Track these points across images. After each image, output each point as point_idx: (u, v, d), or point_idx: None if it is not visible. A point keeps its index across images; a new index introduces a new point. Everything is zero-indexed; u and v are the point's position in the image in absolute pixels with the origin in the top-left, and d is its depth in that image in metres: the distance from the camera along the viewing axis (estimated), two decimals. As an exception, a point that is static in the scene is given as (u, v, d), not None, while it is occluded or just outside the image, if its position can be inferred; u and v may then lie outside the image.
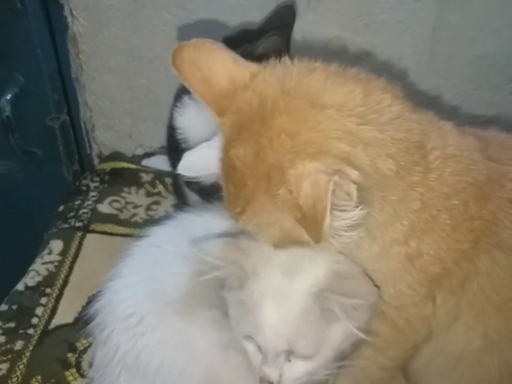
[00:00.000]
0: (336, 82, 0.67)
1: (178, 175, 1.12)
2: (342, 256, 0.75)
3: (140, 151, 1.42)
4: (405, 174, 0.67)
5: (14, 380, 0.93)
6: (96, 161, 1.43)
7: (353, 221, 0.63)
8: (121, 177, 1.35)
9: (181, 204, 1.16)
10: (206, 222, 0.89)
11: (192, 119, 0.99)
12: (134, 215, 1.25)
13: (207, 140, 0.79)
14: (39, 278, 1.10)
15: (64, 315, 1.04)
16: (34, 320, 1.02)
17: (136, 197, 1.30)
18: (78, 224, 1.22)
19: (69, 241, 1.18)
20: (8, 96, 1.24)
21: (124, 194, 1.30)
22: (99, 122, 1.39)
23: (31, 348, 0.98)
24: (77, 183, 1.35)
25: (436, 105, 1.16)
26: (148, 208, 1.27)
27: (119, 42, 1.25)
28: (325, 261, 0.74)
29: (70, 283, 1.10)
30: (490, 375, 0.76)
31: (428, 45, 1.17)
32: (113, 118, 1.38)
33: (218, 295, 0.79)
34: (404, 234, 0.70)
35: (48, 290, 1.08)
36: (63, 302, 1.06)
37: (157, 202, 1.29)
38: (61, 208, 1.28)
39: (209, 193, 0.97)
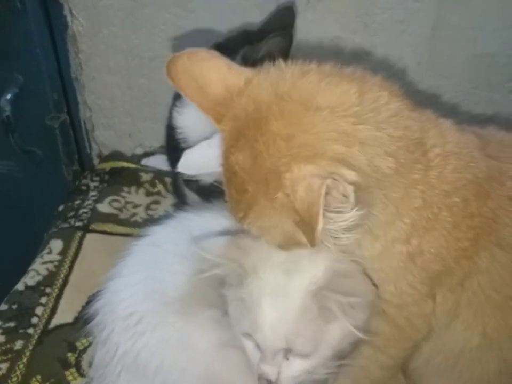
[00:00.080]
0: (331, 82, 0.67)
1: (178, 174, 1.13)
2: (341, 255, 0.76)
3: (139, 151, 1.42)
4: (405, 171, 0.67)
5: (14, 379, 0.93)
6: (96, 160, 1.43)
7: (351, 222, 0.63)
8: (121, 176, 1.35)
9: (181, 203, 1.16)
10: (205, 221, 0.89)
11: (191, 119, 0.99)
12: (134, 214, 1.25)
13: (206, 138, 0.79)
14: (39, 278, 1.10)
15: (64, 315, 1.04)
16: (34, 320, 1.02)
17: (136, 196, 1.30)
18: (78, 223, 1.22)
19: (69, 240, 1.18)
20: (8, 96, 1.24)
21: (123, 194, 1.30)
22: (99, 121, 1.39)
23: (31, 348, 0.98)
24: (77, 183, 1.35)
25: (436, 105, 1.16)
26: (148, 207, 1.27)
27: (119, 42, 1.25)
28: (324, 260, 0.74)
29: (70, 283, 1.10)
30: (489, 373, 0.76)
31: (427, 45, 1.17)
32: (113, 118, 1.38)
33: (218, 293, 0.79)
34: (405, 233, 0.70)
35: (48, 289, 1.08)
36: (63, 302, 1.06)
37: (156, 202, 1.29)
38: (60, 208, 1.28)
39: (208, 192, 0.97)
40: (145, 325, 0.81)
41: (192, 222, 0.90)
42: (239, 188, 0.67)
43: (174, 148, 1.03)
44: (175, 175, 1.18)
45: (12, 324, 1.01)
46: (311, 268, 0.74)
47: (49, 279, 1.10)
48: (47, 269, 1.11)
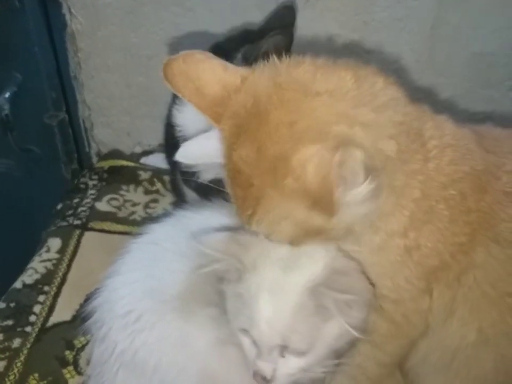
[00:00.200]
0: (327, 70, 0.68)
1: (176, 173, 1.13)
2: (340, 253, 0.76)
3: (138, 149, 1.42)
4: (406, 159, 0.68)
5: (12, 377, 0.93)
6: (94, 159, 1.44)
7: (364, 195, 0.63)
8: (120, 175, 1.35)
9: (179, 201, 1.16)
10: (204, 219, 0.89)
11: (191, 117, 0.99)
12: (133, 213, 1.25)
13: (206, 131, 0.79)
14: (37, 276, 1.10)
15: (62, 313, 1.04)
16: (32, 318, 1.02)
17: (135, 194, 1.30)
18: (76, 222, 1.22)
19: (67, 239, 1.18)
20: (7, 95, 1.24)
21: (122, 192, 1.30)
22: (97, 120, 1.39)
23: (28, 346, 0.98)
24: (76, 181, 1.35)
25: (434, 103, 1.16)
26: (146, 206, 1.27)
27: (118, 40, 1.25)
28: (323, 257, 0.74)
29: (68, 281, 1.10)
30: (485, 370, 0.76)
31: (426, 43, 1.17)
32: (112, 116, 1.38)
33: (217, 291, 0.79)
34: (404, 226, 0.70)
35: (46, 288, 1.08)
36: (60, 300, 1.06)
37: (155, 200, 1.29)
38: (59, 206, 1.28)
39: (207, 191, 0.96)
40: (144, 323, 0.81)
41: (191, 220, 0.90)
42: (244, 184, 0.67)
43: (173, 145, 1.03)
44: (173, 174, 1.18)
45: (9, 322, 1.01)
46: (309, 265, 0.74)
47: (47, 278, 1.09)
48: (45, 267, 1.11)
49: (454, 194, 0.71)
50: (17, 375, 0.93)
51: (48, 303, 1.05)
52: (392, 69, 1.17)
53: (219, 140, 0.71)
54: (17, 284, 1.08)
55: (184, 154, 0.80)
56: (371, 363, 0.80)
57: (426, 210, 0.70)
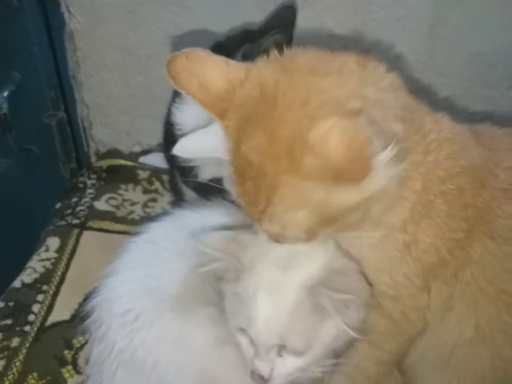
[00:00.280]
0: (331, 56, 0.69)
1: (175, 173, 1.13)
2: (338, 253, 0.76)
3: (137, 149, 1.42)
4: (410, 148, 0.68)
5: (10, 376, 0.92)
6: (93, 158, 1.43)
7: (390, 158, 0.62)
8: (118, 174, 1.35)
9: (178, 201, 1.16)
10: (203, 218, 0.89)
11: (190, 115, 0.99)
12: (131, 212, 1.25)
13: (204, 127, 0.79)
14: (35, 275, 1.10)
15: (61, 312, 1.04)
16: (31, 317, 1.02)
17: (133, 194, 1.30)
18: (75, 221, 1.22)
19: (66, 238, 1.18)
20: (5, 94, 1.24)
21: (120, 192, 1.30)
22: (96, 119, 1.39)
23: (27, 345, 0.97)
24: (74, 181, 1.35)
25: (434, 102, 1.16)
26: (145, 205, 1.27)
27: (116, 40, 1.25)
28: (320, 257, 0.74)
29: (66, 280, 1.09)
30: (483, 368, 0.76)
31: (425, 43, 1.17)
32: (111, 116, 1.38)
33: (215, 290, 0.79)
34: (404, 219, 0.70)
35: (44, 287, 1.08)
36: (59, 299, 1.06)
37: (153, 200, 1.29)
38: (58, 206, 1.28)
39: (206, 190, 0.97)
40: (142, 321, 0.81)
41: (190, 219, 0.90)
42: (256, 176, 0.65)
43: (172, 144, 1.03)
44: (172, 173, 1.18)
45: (8, 322, 1.01)
46: (307, 265, 0.74)
47: (46, 277, 1.09)
48: (44, 267, 1.11)
49: (452, 188, 0.71)
50: (16, 374, 0.93)
51: (47, 302, 1.05)
52: (391, 68, 1.17)
53: (223, 137, 0.71)
54: (16, 283, 1.08)
55: (181, 149, 0.80)
56: (369, 361, 0.80)
57: (425, 204, 0.70)
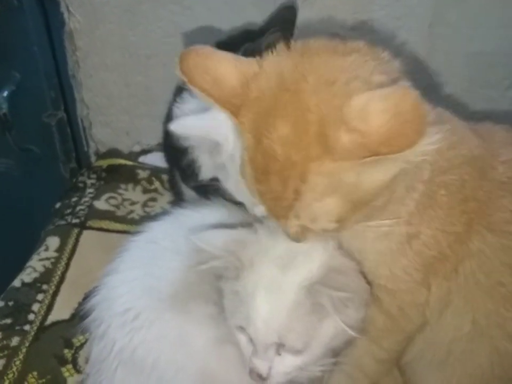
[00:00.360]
0: (341, 42, 0.69)
1: (175, 172, 1.13)
2: (337, 252, 0.76)
3: (137, 148, 1.42)
4: None
5: (10, 375, 0.92)
6: (93, 158, 1.43)
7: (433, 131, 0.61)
8: (118, 174, 1.35)
9: (178, 200, 1.16)
10: (202, 217, 0.89)
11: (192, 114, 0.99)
12: (131, 211, 1.25)
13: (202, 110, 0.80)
14: (35, 275, 1.10)
15: (61, 311, 1.04)
16: (31, 317, 1.02)
17: (133, 193, 1.30)
18: (75, 220, 1.22)
19: (66, 237, 1.18)
20: (5, 93, 1.24)
21: (120, 191, 1.30)
22: (96, 119, 1.39)
23: (27, 344, 0.97)
24: (74, 180, 1.35)
25: (433, 102, 1.16)
26: (145, 204, 1.27)
27: (116, 39, 1.25)
28: (319, 256, 0.74)
29: (66, 279, 1.10)
30: (481, 365, 0.76)
31: (424, 42, 1.17)
32: (110, 115, 1.38)
33: (215, 287, 0.79)
34: (410, 211, 0.70)
35: (44, 286, 1.08)
36: (59, 299, 1.06)
37: (153, 199, 1.29)
38: (57, 205, 1.28)
39: (206, 189, 0.97)
40: (142, 321, 0.81)
41: (189, 218, 0.90)
42: (283, 168, 0.62)
43: (171, 144, 1.03)
44: (172, 172, 1.18)
45: (8, 321, 1.01)
46: (306, 263, 0.74)
47: (46, 276, 1.09)
48: (44, 266, 1.11)
49: (454, 179, 0.71)
50: (16, 373, 0.93)
51: (46, 301, 1.05)
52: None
53: (222, 122, 0.70)
54: (16, 283, 1.08)
55: (178, 126, 0.80)
56: (368, 359, 0.80)
57: (430, 195, 0.70)
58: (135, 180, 1.33)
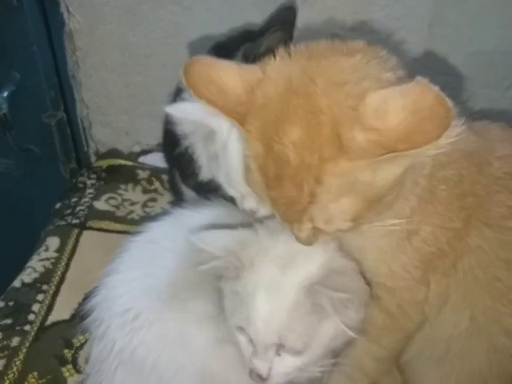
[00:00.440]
0: (342, 42, 0.69)
1: (175, 172, 1.13)
2: (337, 253, 0.76)
3: (136, 149, 1.42)
4: None
5: (11, 376, 0.93)
6: (93, 158, 1.44)
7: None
8: (118, 174, 1.35)
9: (178, 200, 1.16)
10: (202, 218, 0.89)
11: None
12: (131, 212, 1.25)
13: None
14: (35, 275, 1.10)
15: (61, 311, 1.04)
16: (31, 317, 1.02)
17: (133, 194, 1.30)
18: (75, 221, 1.22)
19: (66, 238, 1.18)
20: (5, 94, 1.24)
21: (120, 191, 1.30)
22: (96, 119, 1.39)
23: (27, 344, 0.98)
24: (74, 180, 1.35)
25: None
26: (145, 205, 1.27)
27: (116, 39, 1.25)
28: (319, 256, 0.74)
29: (66, 280, 1.10)
30: (480, 363, 0.76)
31: (424, 42, 1.17)
32: (110, 115, 1.38)
33: (215, 287, 0.79)
34: (412, 207, 0.70)
35: (44, 287, 1.08)
36: (59, 299, 1.06)
37: (153, 199, 1.29)
38: (57, 205, 1.28)
39: (206, 189, 0.97)
40: (142, 321, 0.81)
41: (189, 218, 0.90)
42: (296, 172, 0.62)
43: (171, 144, 1.03)
44: (172, 173, 1.18)
45: (8, 321, 1.01)
46: (306, 264, 0.74)
47: (46, 276, 1.10)
48: (44, 266, 1.11)
49: (452, 174, 0.72)
50: (16, 373, 0.93)
51: (47, 301, 1.05)
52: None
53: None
54: (16, 283, 1.08)
55: (175, 109, 0.81)
56: (368, 358, 0.80)
57: (430, 190, 0.70)
58: (135, 180, 1.33)
